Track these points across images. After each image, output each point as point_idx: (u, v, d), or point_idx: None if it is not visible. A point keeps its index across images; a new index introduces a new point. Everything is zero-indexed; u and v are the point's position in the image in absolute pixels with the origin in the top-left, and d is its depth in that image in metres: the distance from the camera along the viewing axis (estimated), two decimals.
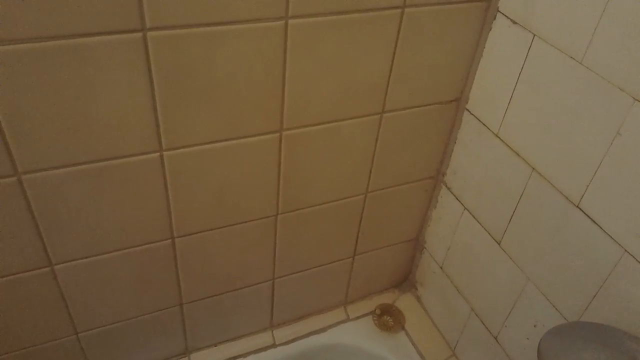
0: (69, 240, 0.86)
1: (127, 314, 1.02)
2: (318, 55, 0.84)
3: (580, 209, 0.84)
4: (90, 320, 0.99)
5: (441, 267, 1.24)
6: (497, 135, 0.98)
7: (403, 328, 1.30)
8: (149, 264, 0.97)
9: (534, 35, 0.85)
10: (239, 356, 1.21)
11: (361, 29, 0.84)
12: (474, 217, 1.09)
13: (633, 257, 0.76)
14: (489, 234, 1.05)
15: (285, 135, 0.91)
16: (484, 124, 1.01)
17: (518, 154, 0.94)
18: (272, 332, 1.26)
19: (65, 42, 0.67)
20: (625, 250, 0.77)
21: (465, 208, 1.12)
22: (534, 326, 0.98)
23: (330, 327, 1.29)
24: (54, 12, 0.64)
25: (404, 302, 1.36)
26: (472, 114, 1.04)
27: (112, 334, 1.04)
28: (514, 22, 0.89)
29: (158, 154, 0.83)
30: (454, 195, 1.14)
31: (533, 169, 0.91)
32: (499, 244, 1.03)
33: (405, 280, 1.40)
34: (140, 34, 0.70)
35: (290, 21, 0.78)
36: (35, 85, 0.68)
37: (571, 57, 0.79)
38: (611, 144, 0.76)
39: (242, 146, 0.89)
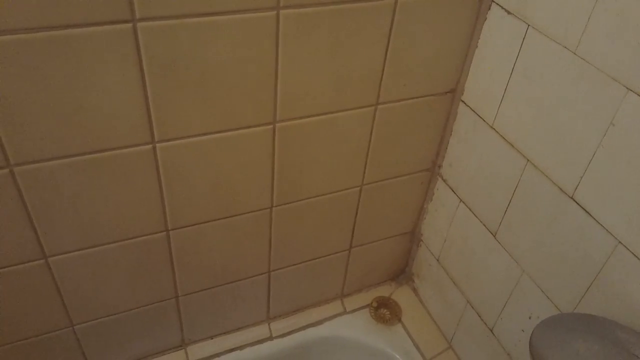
0: (63, 232, 0.86)
1: (122, 306, 1.03)
2: (311, 46, 0.83)
3: (574, 200, 0.83)
4: (85, 313, 0.99)
5: (437, 260, 1.24)
6: (492, 127, 0.98)
7: (400, 321, 1.30)
8: (144, 257, 0.97)
9: (529, 25, 0.85)
10: (236, 348, 1.21)
11: (354, 20, 0.84)
12: (470, 209, 1.09)
13: (627, 248, 0.76)
14: (485, 226, 1.05)
15: (279, 127, 0.91)
16: (479, 116, 1.00)
17: (513, 146, 0.93)
18: (268, 324, 1.26)
19: (55, 33, 0.66)
20: (620, 242, 0.77)
21: (461, 200, 1.11)
22: (529, 318, 0.98)
23: (327, 319, 1.29)
24: (43, 3, 0.64)
25: (401, 295, 1.36)
26: (468, 106, 1.03)
27: (108, 326, 1.04)
28: (509, 13, 0.88)
29: (151, 145, 0.83)
30: (450, 188, 1.14)
31: (528, 160, 0.91)
32: (494, 236, 1.03)
33: (402, 273, 1.40)
34: (130, 25, 0.70)
35: (282, 11, 0.77)
36: (26, 76, 0.68)
37: (565, 47, 0.79)
38: (605, 134, 0.76)
39: (235, 138, 0.88)
